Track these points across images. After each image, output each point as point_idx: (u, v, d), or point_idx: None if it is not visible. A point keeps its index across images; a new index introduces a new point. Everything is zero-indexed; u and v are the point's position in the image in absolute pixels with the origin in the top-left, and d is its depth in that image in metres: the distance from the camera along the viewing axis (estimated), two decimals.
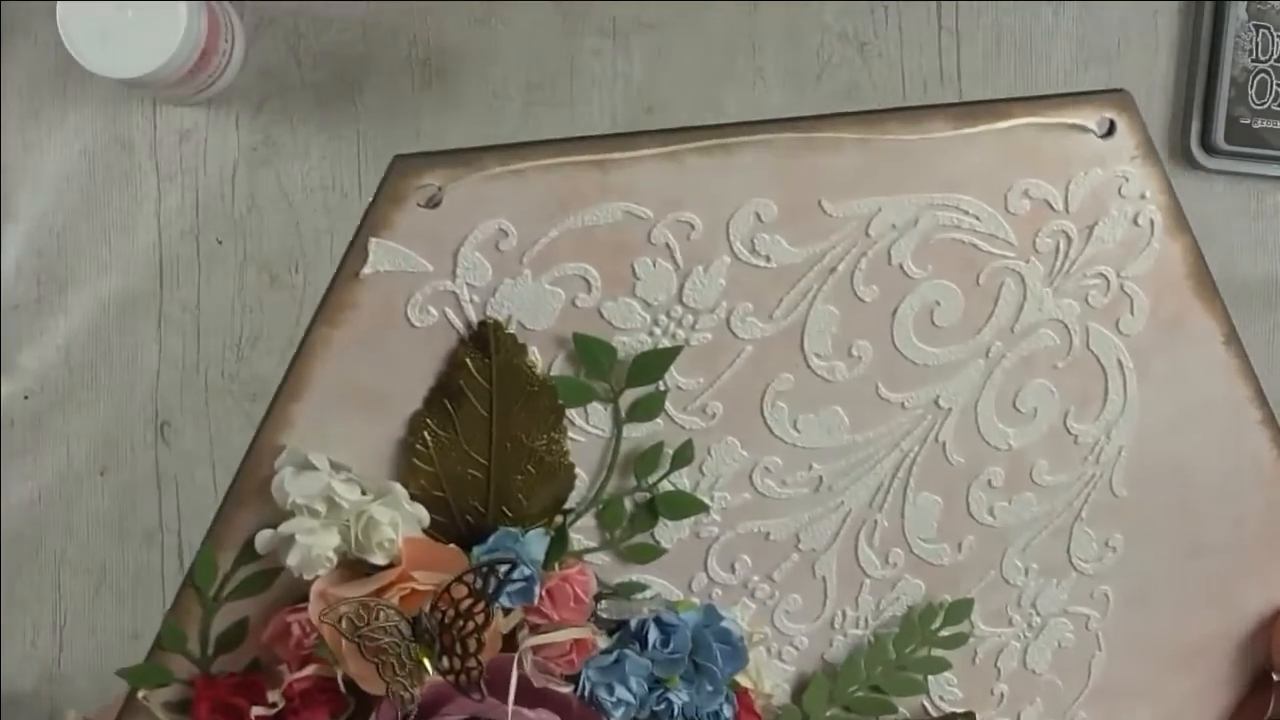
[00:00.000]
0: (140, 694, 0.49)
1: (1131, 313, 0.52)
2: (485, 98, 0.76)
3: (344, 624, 0.45)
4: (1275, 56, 0.76)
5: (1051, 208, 0.49)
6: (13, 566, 0.84)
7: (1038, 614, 0.56)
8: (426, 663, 0.46)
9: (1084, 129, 0.49)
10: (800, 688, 0.54)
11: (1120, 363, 0.52)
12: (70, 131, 0.82)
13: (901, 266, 0.49)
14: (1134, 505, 0.55)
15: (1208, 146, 0.77)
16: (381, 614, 0.46)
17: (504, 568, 0.46)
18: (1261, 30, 0.76)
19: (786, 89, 0.72)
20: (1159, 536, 0.56)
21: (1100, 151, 0.49)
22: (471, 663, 0.47)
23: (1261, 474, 0.55)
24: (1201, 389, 0.54)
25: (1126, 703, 0.58)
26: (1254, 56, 0.77)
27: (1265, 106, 0.77)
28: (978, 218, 0.49)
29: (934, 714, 0.57)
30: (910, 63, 0.72)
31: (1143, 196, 0.50)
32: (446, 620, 0.47)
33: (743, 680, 0.54)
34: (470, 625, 0.47)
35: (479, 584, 0.46)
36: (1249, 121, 0.77)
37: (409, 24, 0.79)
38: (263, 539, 0.47)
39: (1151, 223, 0.50)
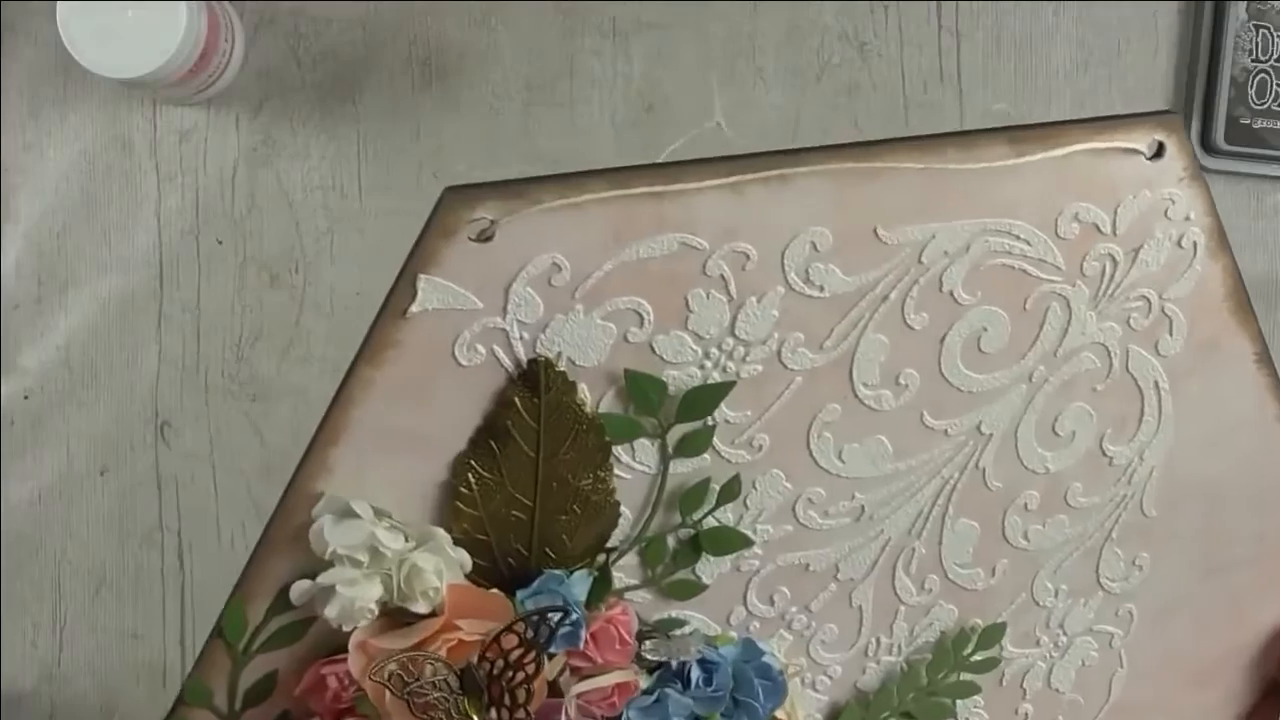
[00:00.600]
0: None
1: (1170, 334, 0.51)
2: (485, 98, 0.75)
3: (392, 680, 0.43)
4: (1275, 56, 0.75)
5: (1100, 231, 0.48)
6: (13, 566, 0.84)
7: (1064, 634, 0.55)
8: (475, 717, 0.44)
9: (1135, 151, 0.48)
10: (833, 717, 0.53)
11: (1157, 384, 0.52)
12: (70, 131, 0.81)
13: (952, 293, 0.47)
14: (1162, 525, 0.54)
15: (1208, 146, 0.75)
16: (429, 667, 0.44)
17: (555, 616, 0.44)
18: (1261, 30, 0.74)
19: (786, 89, 0.70)
20: (1183, 555, 0.55)
21: (1149, 174, 0.48)
22: (520, 714, 0.45)
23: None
24: (1233, 408, 0.53)
25: (1143, 718, 0.58)
26: (1254, 56, 0.76)
27: (1265, 106, 0.76)
28: (1028, 242, 0.47)
29: None
30: (910, 63, 0.71)
31: (1187, 218, 0.49)
32: (495, 671, 0.44)
33: (778, 714, 0.52)
34: (520, 675, 0.45)
35: (530, 633, 0.44)
36: (1249, 121, 0.76)
37: (409, 24, 0.79)
38: (299, 590, 0.44)
39: (1195, 245, 0.50)
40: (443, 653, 0.45)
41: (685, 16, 0.68)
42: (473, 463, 0.45)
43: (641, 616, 0.50)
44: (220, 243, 0.80)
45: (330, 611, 0.44)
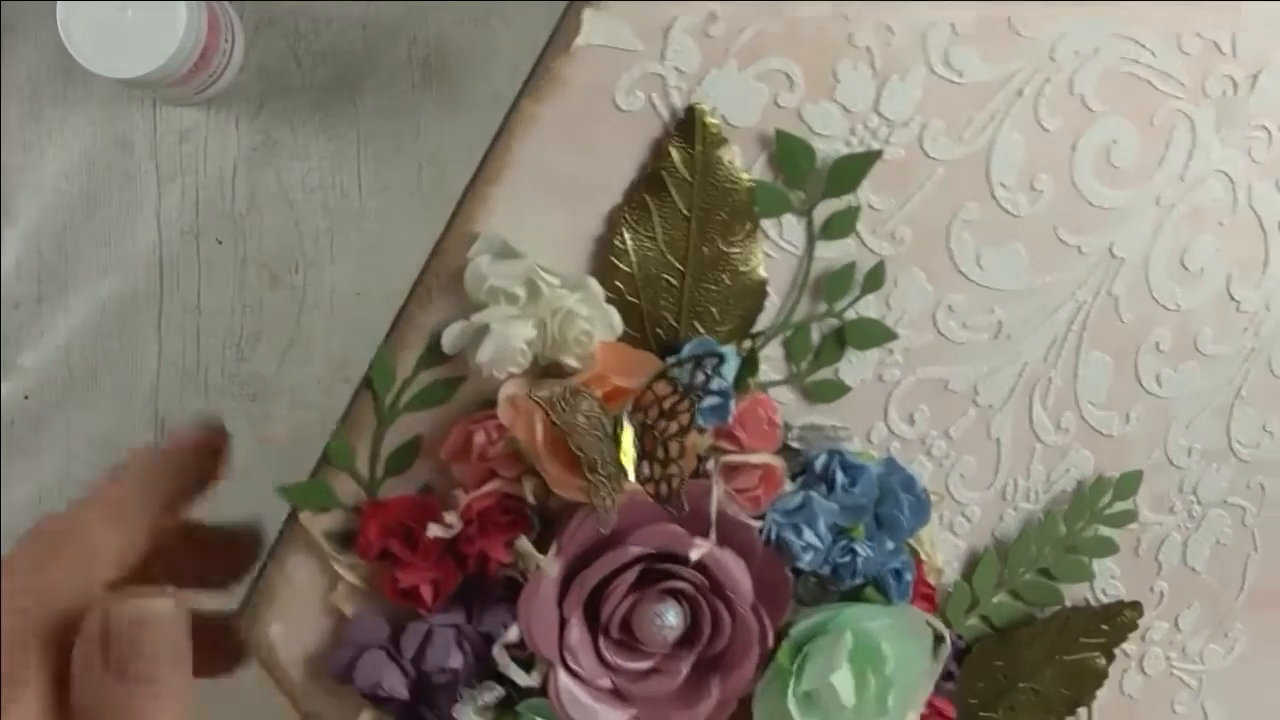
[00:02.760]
0: (302, 516, 0.45)
1: None
2: (485, 98, 0.78)
3: (554, 405, 0.42)
4: None
5: (1220, 51, 0.50)
6: None
7: (1198, 502, 0.54)
8: (629, 466, 0.43)
9: None
10: (971, 566, 0.52)
11: None
12: (70, 132, 0.81)
13: (1083, 98, 0.49)
14: None
15: None
16: (585, 403, 0.43)
17: (711, 362, 0.44)
18: None
19: None
20: None
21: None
22: (673, 469, 0.44)
23: None
24: None
25: (1279, 617, 0.56)
26: None
27: None
28: (1154, 53, 0.49)
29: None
30: None
31: None
32: (649, 421, 0.44)
33: (918, 551, 0.51)
34: (674, 426, 0.44)
35: (686, 378, 0.44)
36: None
37: (409, 24, 0.80)
38: (452, 333, 0.44)
39: None
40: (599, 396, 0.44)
41: None
42: (628, 217, 0.46)
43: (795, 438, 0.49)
44: (220, 243, 0.81)
45: (483, 355, 0.44)
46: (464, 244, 0.44)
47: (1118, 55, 0.49)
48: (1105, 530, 0.52)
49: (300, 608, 0.45)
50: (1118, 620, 0.53)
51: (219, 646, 0.46)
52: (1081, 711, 0.55)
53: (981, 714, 0.53)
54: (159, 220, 0.81)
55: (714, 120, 0.45)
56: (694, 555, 0.44)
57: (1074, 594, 0.53)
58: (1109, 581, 0.53)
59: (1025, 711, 0.53)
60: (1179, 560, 0.54)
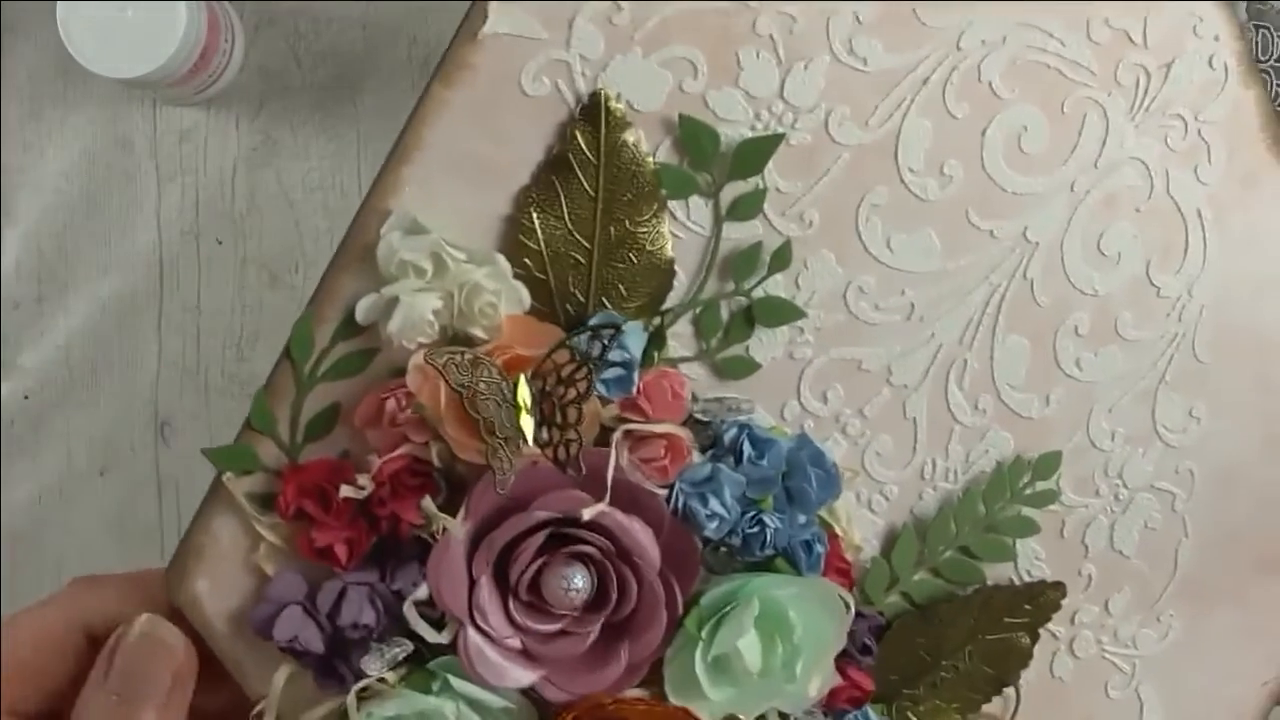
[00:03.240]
0: (225, 477, 0.47)
1: (1209, 160, 0.53)
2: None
3: (449, 369, 0.45)
4: (1275, 56, 0.76)
5: (1131, 40, 0.51)
6: (12, 566, 0.83)
7: (1125, 486, 0.55)
8: (526, 429, 0.46)
9: None
10: (889, 544, 0.53)
11: (1200, 213, 0.53)
12: (70, 131, 0.82)
13: (991, 85, 0.51)
14: (1216, 373, 0.55)
15: None
16: (484, 370, 0.45)
17: (609, 331, 0.46)
18: (1261, 30, 0.76)
19: None
20: (1241, 414, 0.56)
21: None
22: (571, 434, 0.46)
23: None
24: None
25: (1212, 603, 0.57)
26: (1254, 56, 0.78)
27: None
28: (1063, 42, 0.51)
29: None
30: None
31: (1216, 38, 0.52)
32: (547, 388, 0.46)
33: (834, 527, 0.53)
34: (571, 393, 0.46)
35: (584, 347, 0.46)
36: None
37: (409, 24, 0.80)
38: (365, 304, 0.47)
39: (1225, 66, 0.52)
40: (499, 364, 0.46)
41: None
42: (535, 197, 0.48)
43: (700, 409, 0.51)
44: (220, 243, 0.82)
45: (393, 325, 0.46)
46: (378, 221, 0.47)
47: (1025, 44, 0.50)
48: (1026, 510, 0.54)
49: (225, 566, 0.48)
50: (1041, 600, 0.54)
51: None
52: (1009, 692, 0.55)
53: (904, 690, 0.54)
54: (159, 220, 0.82)
55: (618, 105, 0.47)
56: (586, 515, 0.46)
57: (998, 575, 0.54)
58: (1034, 563, 0.54)
59: (948, 689, 0.54)
60: (1106, 544, 0.55)
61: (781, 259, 0.49)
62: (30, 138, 0.82)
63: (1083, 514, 0.55)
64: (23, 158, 0.81)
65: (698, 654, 0.49)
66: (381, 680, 0.47)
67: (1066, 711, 0.57)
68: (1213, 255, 0.54)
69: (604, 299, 0.48)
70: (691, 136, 0.48)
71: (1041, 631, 0.55)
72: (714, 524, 0.49)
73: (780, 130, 0.49)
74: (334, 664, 0.47)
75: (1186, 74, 0.52)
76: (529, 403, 0.46)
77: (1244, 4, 0.76)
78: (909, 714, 0.54)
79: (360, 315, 0.46)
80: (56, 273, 0.83)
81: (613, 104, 0.47)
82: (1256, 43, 0.76)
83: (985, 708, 0.56)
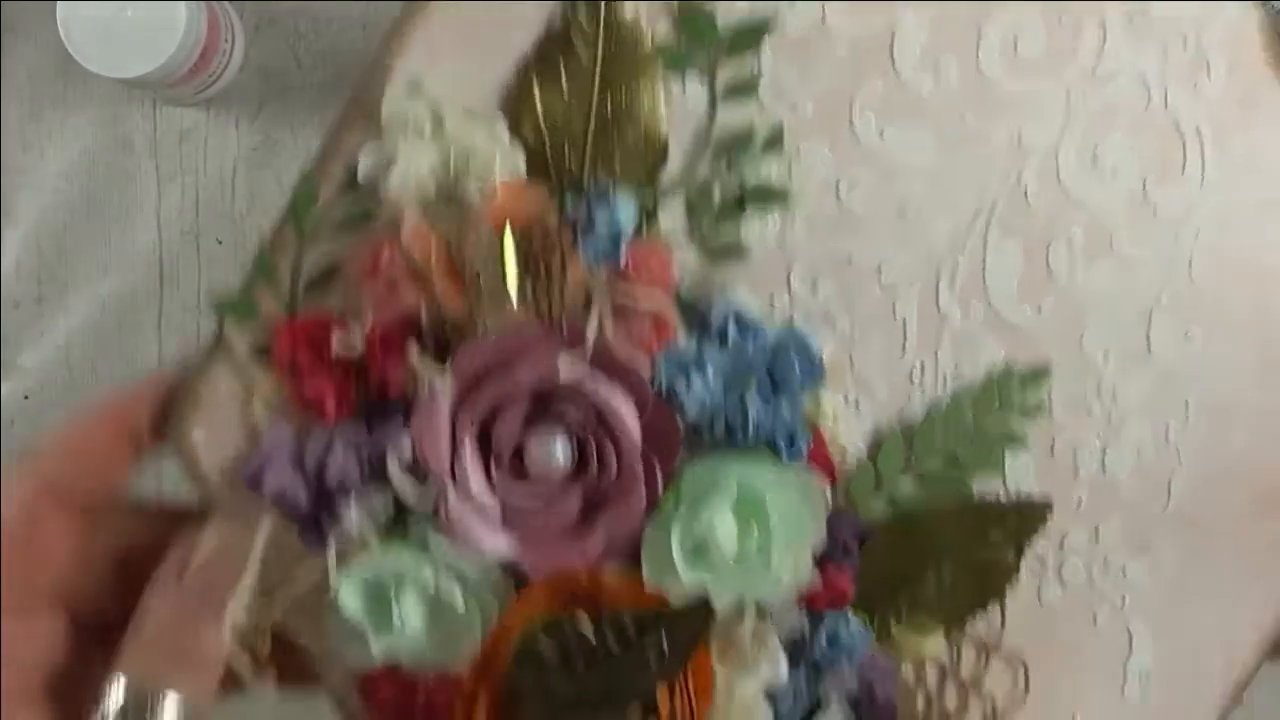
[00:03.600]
0: (226, 326, 0.48)
1: (1208, 77, 0.53)
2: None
3: (440, 222, 0.45)
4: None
5: None
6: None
7: (1117, 408, 0.55)
8: (510, 283, 0.46)
9: None
10: (876, 448, 0.53)
11: (1199, 130, 0.54)
12: (70, 131, 0.82)
13: None
14: (1211, 298, 0.55)
15: None
16: (476, 227, 0.46)
17: (599, 197, 0.47)
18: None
19: None
20: (1236, 341, 0.55)
21: None
22: (554, 290, 0.46)
23: None
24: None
25: (1208, 539, 0.56)
26: None
27: None
28: None
29: None
30: None
31: None
32: (535, 247, 0.46)
33: (820, 424, 0.52)
34: (556, 253, 0.47)
35: (571, 212, 0.46)
36: None
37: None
38: (365, 162, 0.48)
39: None
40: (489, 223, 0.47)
41: None
42: (535, 66, 0.49)
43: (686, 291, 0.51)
44: (220, 243, 0.82)
45: (392, 181, 0.47)
46: (382, 81, 0.48)
47: None
48: (1015, 422, 0.53)
49: (221, 416, 0.48)
50: (1026, 516, 0.54)
51: None
52: (995, 619, 0.55)
53: (887, 601, 0.53)
54: (159, 220, 0.82)
55: None
56: (563, 370, 0.46)
57: (987, 492, 0.54)
58: (1023, 482, 0.54)
59: (932, 604, 0.54)
60: (1097, 468, 0.55)
61: (775, 141, 0.50)
62: (30, 138, 0.81)
63: (1073, 434, 0.54)
64: (23, 158, 0.81)
65: (674, 535, 0.49)
66: (363, 541, 0.47)
67: (1054, 641, 0.56)
68: (1211, 175, 0.54)
69: (599, 172, 0.49)
70: (690, 18, 0.48)
71: (1029, 555, 0.54)
72: (696, 405, 0.49)
73: (772, 17, 0.49)
74: (319, 519, 0.47)
75: None
76: (514, 258, 0.46)
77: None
78: (891, 626, 0.53)
79: (361, 173, 0.47)
80: (56, 273, 0.82)
81: None
82: None
83: (971, 631, 0.55)
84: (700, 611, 0.48)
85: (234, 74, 0.79)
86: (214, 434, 0.49)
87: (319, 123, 0.80)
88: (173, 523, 0.48)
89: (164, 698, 0.44)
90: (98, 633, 0.46)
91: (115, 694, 0.44)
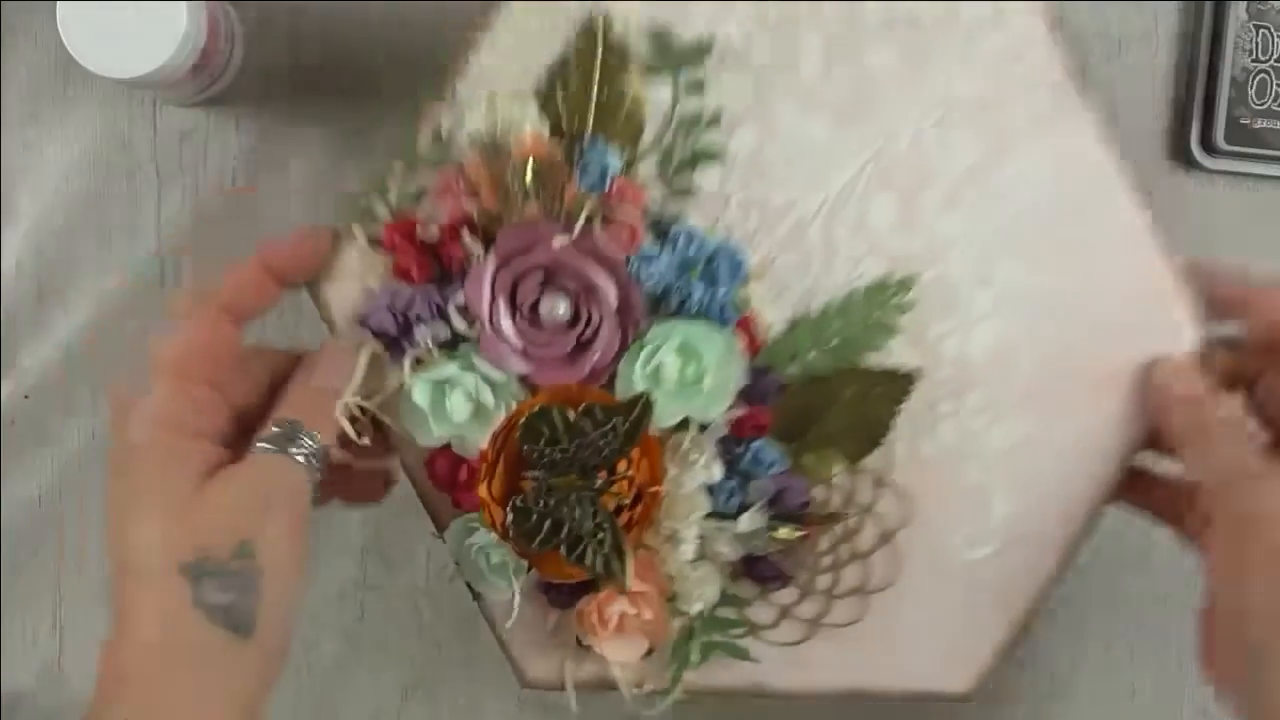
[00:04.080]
0: (354, 225, 0.77)
1: (1032, 92, 0.78)
2: (484, 98, 0.74)
3: (488, 155, 0.74)
4: (1275, 56, 0.78)
5: (958, 14, 0.78)
6: (12, 566, 0.83)
7: (973, 311, 0.78)
8: (530, 192, 0.74)
9: None
10: (792, 328, 0.78)
11: (1024, 128, 0.78)
12: (70, 131, 0.80)
13: (869, 22, 0.78)
14: (1039, 237, 0.78)
15: (1208, 146, 0.80)
16: (512, 161, 0.74)
17: (592, 143, 0.75)
18: (1261, 30, 0.78)
19: None
20: (1067, 270, 0.78)
21: None
22: (558, 201, 0.74)
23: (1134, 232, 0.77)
24: (1085, 160, 0.78)
25: (1054, 413, 0.78)
26: (1254, 56, 0.78)
27: (1265, 106, 0.79)
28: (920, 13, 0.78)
29: None
30: None
31: (1031, 5, 0.78)
32: (547, 173, 0.74)
33: (749, 309, 0.78)
34: (562, 177, 0.74)
35: (570, 148, 0.75)
36: (1249, 121, 0.79)
37: (409, 24, 0.82)
38: (445, 123, 0.76)
39: (1038, 27, 0.78)
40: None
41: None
42: (558, 71, 0.77)
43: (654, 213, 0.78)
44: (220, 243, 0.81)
45: (462, 134, 0.76)
46: (459, 69, 0.77)
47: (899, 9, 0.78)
48: (890, 315, 0.77)
49: (346, 281, 0.77)
50: (900, 380, 0.77)
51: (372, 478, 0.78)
52: (888, 461, 0.78)
53: (795, 434, 0.77)
54: (159, 220, 0.81)
55: (612, 23, 0.77)
56: (556, 245, 0.73)
57: (875, 364, 0.78)
58: (902, 361, 0.78)
59: (833, 440, 0.77)
60: (960, 352, 0.78)
61: (716, 120, 0.77)
62: (30, 138, 0.80)
63: (939, 328, 0.78)
64: (23, 158, 0.80)
65: (636, 366, 0.74)
66: (429, 356, 0.75)
67: (932, 484, 0.78)
68: (1036, 158, 0.78)
69: (598, 138, 0.77)
70: (659, 40, 0.77)
71: (907, 414, 0.77)
72: (653, 282, 0.75)
73: (713, 39, 0.77)
74: (401, 342, 0.75)
75: (1010, 28, 0.78)
76: (534, 178, 0.74)
77: (1244, 4, 0.78)
78: (802, 456, 0.77)
79: (444, 128, 0.76)
80: (56, 273, 0.81)
81: (608, 21, 0.76)
82: (1256, 43, 0.79)
83: (871, 465, 0.78)
84: (644, 406, 0.73)
85: (234, 74, 0.79)
86: (341, 292, 0.77)
87: (319, 123, 0.80)
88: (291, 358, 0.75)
89: (304, 432, 0.71)
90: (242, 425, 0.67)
91: (270, 428, 0.71)
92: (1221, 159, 0.81)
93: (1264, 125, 0.79)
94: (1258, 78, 0.78)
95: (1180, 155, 0.85)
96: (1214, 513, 0.68)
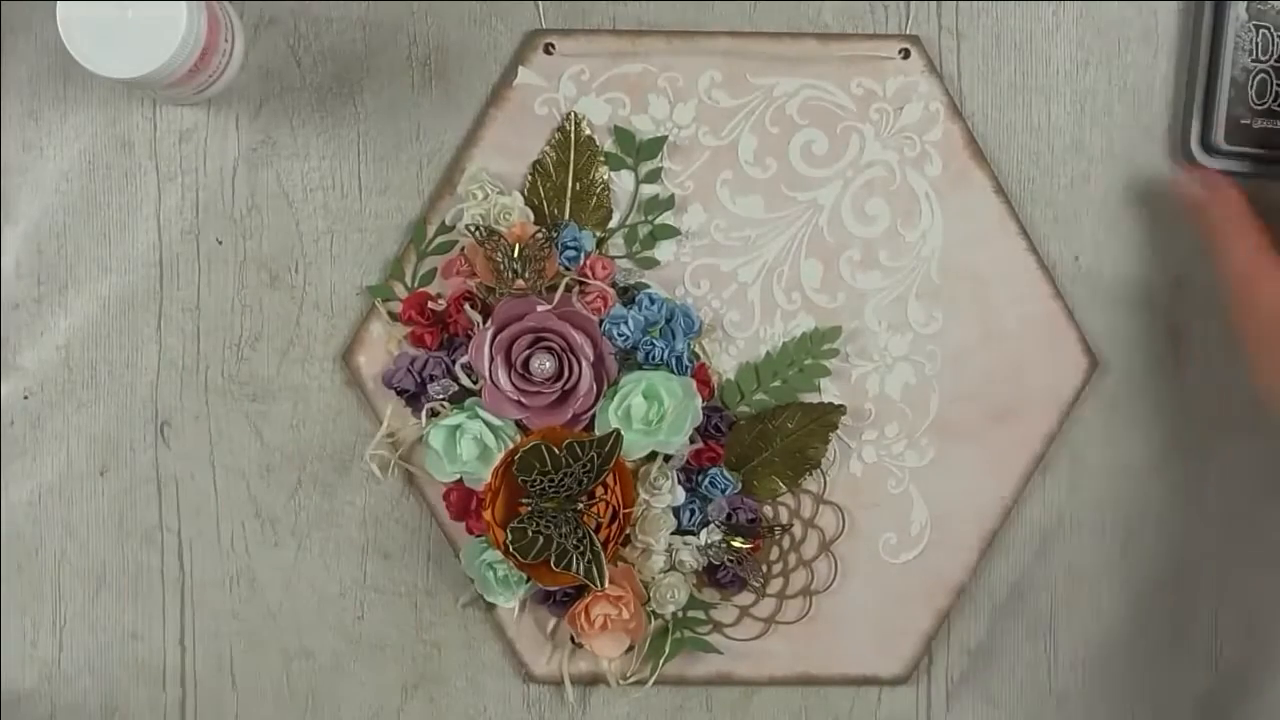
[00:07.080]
0: (376, 301, 0.93)
1: (931, 164, 0.95)
2: (485, 98, 0.86)
3: (482, 240, 0.90)
4: (1275, 56, 0.77)
5: (876, 94, 0.95)
6: (13, 566, 0.82)
7: (890, 356, 0.94)
8: (517, 268, 0.90)
9: (890, 56, 0.95)
10: (739, 374, 0.94)
11: (928, 195, 0.94)
12: (70, 131, 0.80)
13: (792, 117, 0.95)
14: (947, 290, 0.94)
15: (1208, 146, 0.79)
16: (501, 242, 0.90)
17: (568, 229, 0.91)
18: (1261, 30, 0.76)
19: None
20: (965, 315, 0.94)
21: (902, 66, 0.95)
22: (539, 279, 0.90)
23: (1026, 279, 0.93)
24: (981, 219, 0.95)
25: (960, 441, 0.93)
26: (1254, 56, 0.76)
27: (1265, 106, 0.77)
28: (834, 93, 0.95)
29: None
30: None
31: (929, 93, 0.95)
32: (529, 252, 0.91)
33: (703, 359, 0.94)
34: (540, 255, 0.91)
35: (550, 233, 0.91)
36: (1249, 121, 0.78)
37: (409, 24, 0.81)
38: (450, 214, 0.93)
39: (938, 110, 0.95)
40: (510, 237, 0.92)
41: (684, 16, 0.87)
42: (537, 167, 0.93)
43: (621, 282, 0.94)
44: (220, 243, 0.80)
45: (463, 222, 0.92)
46: (462, 166, 0.93)
47: (811, 94, 0.94)
48: (820, 361, 0.94)
49: (372, 349, 0.93)
50: (830, 415, 0.93)
51: None
52: (823, 482, 0.94)
53: (744, 462, 0.93)
54: (159, 220, 0.80)
55: (583, 121, 0.94)
56: (540, 309, 0.89)
57: (809, 401, 0.94)
58: (833, 397, 0.94)
59: (776, 466, 0.93)
60: (879, 391, 0.94)
61: (669, 204, 0.93)
62: (30, 138, 0.79)
63: (862, 370, 0.94)
64: (23, 158, 0.79)
65: (610, 408, 0.90)
66: (441, 407, 0.91)
67: (862, 498, 0.94)
68: (938, 220, 0.94)
69: (573, 221, 0.93)
70: (622, 137, 0.93)
71: (838, 440, 0.93)
72: (623, 340, 0.91)
73: (668, 135, 0.93)
74: (419, 397, 0.92)
75: (912, 114, 0.94)
76: (518, 256, 0.90)
77: (1244, 4, 0.78)
78: (753, 479, 0.93)
79: (448, 219, 0.93)
80: (56, 273, 0.80)
81: (580, 120, 0.93)
82: (1256, 43, 0.78)
83: (808, 487, 0.94)
84: (615, 440, 0.89)
85: (234, 74, 0.78)
86: (368, 358, 0.93)
87: (319, 123, 0.79)
88: None
89: None
90: None
91: None
92: (1221, 159, 0.80)
93: (1264, 125, 0.78)
94: (1258, 78, 0.77)
95: (1180, 155, 0.83)
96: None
